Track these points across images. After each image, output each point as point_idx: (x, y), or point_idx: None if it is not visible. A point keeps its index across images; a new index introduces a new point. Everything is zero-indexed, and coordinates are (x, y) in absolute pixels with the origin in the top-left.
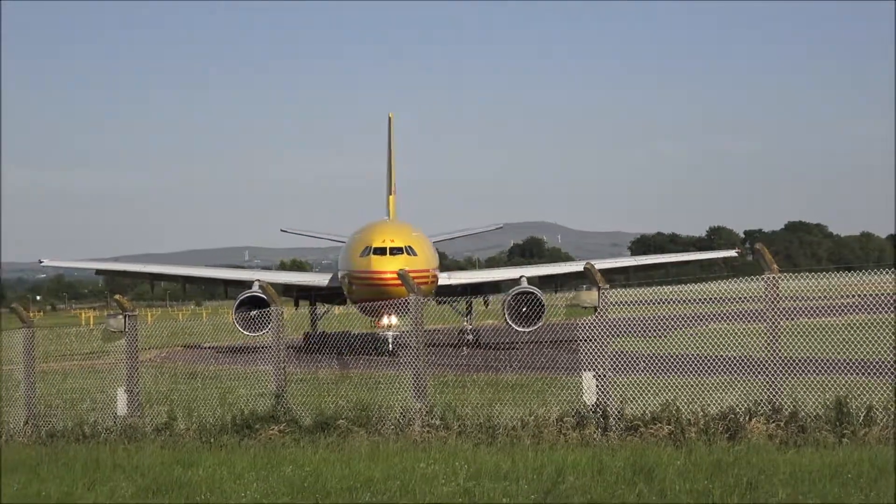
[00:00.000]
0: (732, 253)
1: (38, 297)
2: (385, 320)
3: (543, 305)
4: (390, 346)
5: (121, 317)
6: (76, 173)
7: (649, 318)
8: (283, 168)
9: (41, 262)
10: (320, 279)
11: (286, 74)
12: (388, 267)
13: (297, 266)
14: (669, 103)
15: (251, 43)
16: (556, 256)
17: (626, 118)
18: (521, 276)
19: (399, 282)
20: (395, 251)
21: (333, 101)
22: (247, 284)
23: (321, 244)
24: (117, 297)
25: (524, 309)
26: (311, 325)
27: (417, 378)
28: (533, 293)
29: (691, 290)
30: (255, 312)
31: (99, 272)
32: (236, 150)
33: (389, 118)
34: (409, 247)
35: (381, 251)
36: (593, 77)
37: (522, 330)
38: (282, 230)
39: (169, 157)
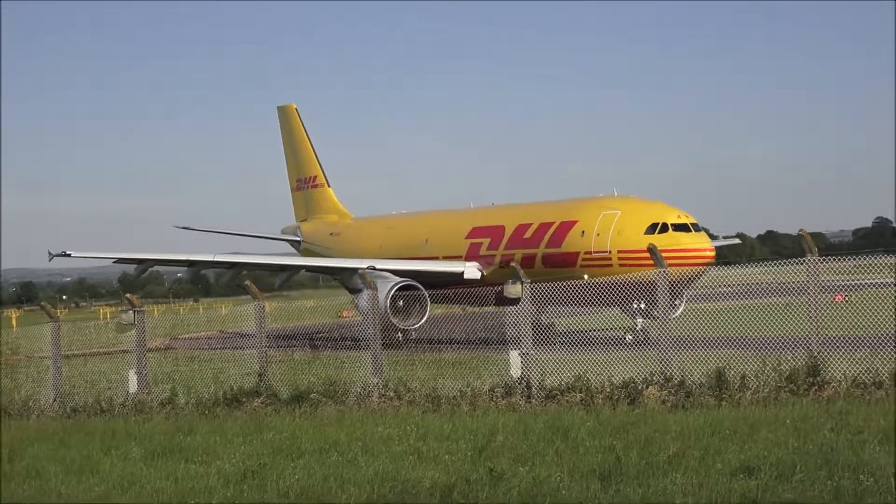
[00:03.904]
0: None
1: (63, 297)
2: (636, 305)
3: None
4: (639, 330)
5: (131, 312)
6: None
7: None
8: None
9: (69, 255)
10: (457, 267)
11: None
12: (702, 244)
13: None
14: (601, 129)
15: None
16: None
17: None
18: None
19: (713, 258)
20: (696, 227)
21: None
22: (356, 271)
23: None
24: (128, 295)
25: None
26: None
27: (375, 358)
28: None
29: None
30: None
31: (120, 261)
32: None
33: (294, 109)
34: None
35: (682, 227)
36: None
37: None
38: (176, 227)
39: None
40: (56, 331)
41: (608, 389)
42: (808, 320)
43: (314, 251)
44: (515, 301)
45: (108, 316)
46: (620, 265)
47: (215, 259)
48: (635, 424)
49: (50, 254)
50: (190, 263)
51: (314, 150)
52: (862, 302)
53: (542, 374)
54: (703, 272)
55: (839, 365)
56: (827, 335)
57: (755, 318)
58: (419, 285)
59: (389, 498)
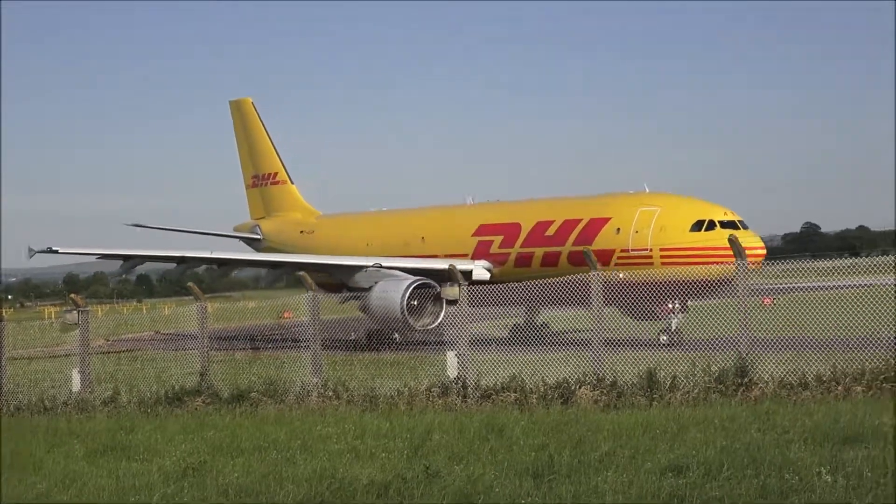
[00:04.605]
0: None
1: (9, 297)
2: (671, 304)
3: None
4: (673, 330)
5: (75, 312)
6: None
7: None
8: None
9: (56, 251)
10: (465, 266)
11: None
12: (754, 242)
13: None
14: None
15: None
16: None
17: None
18: None
19: (765, 256)
20: (743, 224)
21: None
22: (360, 268)
23: None
24: (72, 295)
25: None
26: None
27: (314, 358)
28: None
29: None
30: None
31: (104, 257)
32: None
33: (250, 103)
34: None
35: (731, 225)
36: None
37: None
38: (129, 224)
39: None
40: (0, 330)
41: (542, 389)
42: (737, 322)
43: (280, 250)
44: (453, 303)
45: (53, 315)
46: (663, 263)
47: (211, 256)
48: (568, 424)
49: (31, 250)
50: (179, 260)
51: (274, 146)
52: (789, 305)
53: (477, 375)
54: (755, 271)
55: (766, 366)
56: (755, 337)
57: (686, 320)
58: (435, 283)
59: (326, 495)
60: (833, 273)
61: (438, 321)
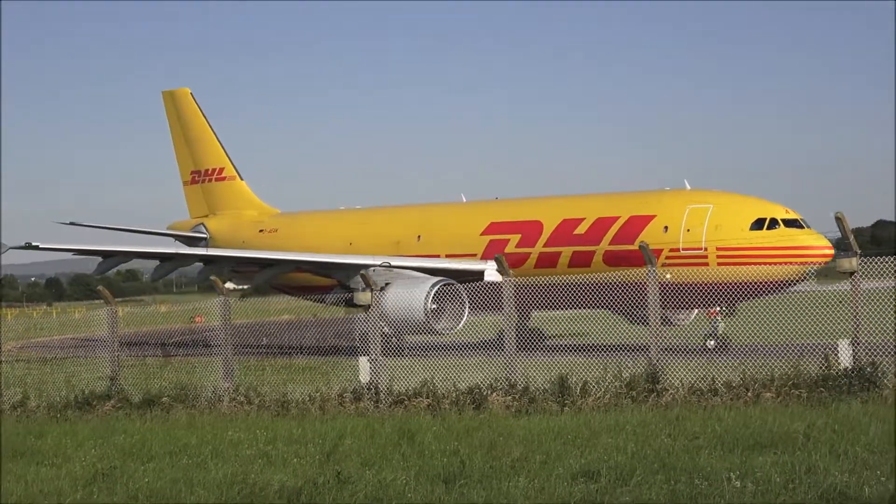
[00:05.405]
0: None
1: None
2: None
3: None
4: (720, 335)
5: None
6: None
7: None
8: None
9: (36, 247)
10: (477, 266)
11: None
12: (820, 241)
13: None
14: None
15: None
16: None
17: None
18: None
19: (832, 257)
20: (806, 223)
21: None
22: (365, 268)
23: None
24: None
25: None
26: None
27: (226, 362)
28: None
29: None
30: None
31: (79, 252)
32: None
33: (188, 94)
34: None
35: (794, 223)
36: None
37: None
38: (61, 223)
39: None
40: None
41: (454, 395)
42: (648, 329)
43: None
44: (365, 308)
45: None
46: (720, 263)
47: (201, 253)
48: (480, 429)
49: (4, 245)
50: (163, 258)
51: (219, 140)
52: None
53: (390, 380)
54: (816, 271)
55: (676, 372)
56: (665, 343)
57: (598, 326)
58: (456, 282)
59: (238, 500)
60: None
61: (462, 323)
